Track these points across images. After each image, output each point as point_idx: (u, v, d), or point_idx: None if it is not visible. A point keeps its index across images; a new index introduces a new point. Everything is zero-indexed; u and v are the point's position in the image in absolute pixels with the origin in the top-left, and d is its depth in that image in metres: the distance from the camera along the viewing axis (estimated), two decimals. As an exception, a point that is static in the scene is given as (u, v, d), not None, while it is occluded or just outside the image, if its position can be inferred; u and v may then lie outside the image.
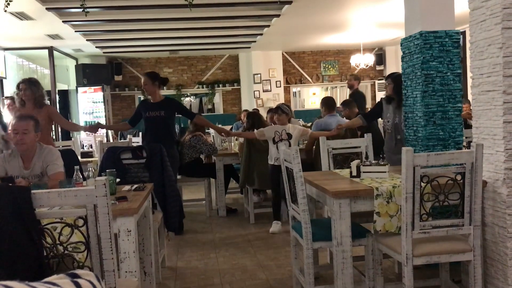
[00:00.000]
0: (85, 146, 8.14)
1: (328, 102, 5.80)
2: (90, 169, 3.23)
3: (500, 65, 2.68)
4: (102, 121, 11.27)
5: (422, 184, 2.58)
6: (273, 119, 6.62)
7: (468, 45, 3.05)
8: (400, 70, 3.98)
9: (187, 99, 13.58)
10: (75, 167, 3.18)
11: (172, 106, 5.19)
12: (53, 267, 2.01)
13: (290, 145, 4.89)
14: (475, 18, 2.90)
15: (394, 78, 4.42)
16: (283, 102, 12.40)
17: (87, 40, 9.31)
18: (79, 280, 0.77)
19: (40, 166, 3.43)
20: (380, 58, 13.06)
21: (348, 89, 8.71)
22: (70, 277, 0.77)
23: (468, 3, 2.95)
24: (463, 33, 8.17)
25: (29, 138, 3.36)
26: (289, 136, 4.97)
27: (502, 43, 2.65)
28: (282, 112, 5.08)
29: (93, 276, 0.81)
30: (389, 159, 4.58)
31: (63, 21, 7.54)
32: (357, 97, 7.62)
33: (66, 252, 2.02)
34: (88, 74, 11.27)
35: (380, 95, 12.89)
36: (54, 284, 0.72)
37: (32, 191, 1.99)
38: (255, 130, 5.32)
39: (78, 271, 0.80)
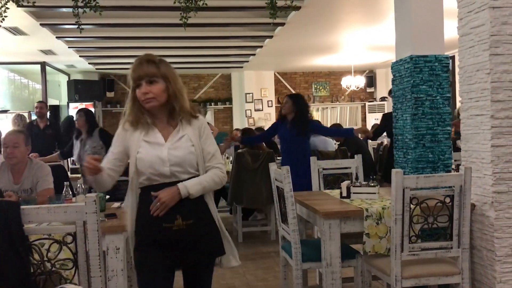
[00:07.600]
0: (75, 162, 8.09)
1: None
2: (80, 185, 3.20)
3: (488, 90, 2.73)
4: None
5: (411, 206, 2.60)
6: None
7: (457, 69, 3.11)
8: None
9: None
10: (65, 183, 3.15)
11: None
12: (39, 284, 1.98)
13: None
14: (464, 44, 2.96)
15: (86, 113, 5.40)
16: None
17: (80, 56, 9.33)
18: (69, 297, 0.77)
19: (30, 181, 3.40)
20: (371, 80, 13.21)
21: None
22: (61, 293, 0.77)
23: (457, 29, 3.01)
24: (453, 57, 8.30)
25: (19, 152, 3.35)
26: None
27: (490, 69, 2.71)
28: None
29: (83, 292, 0.81)
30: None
31: (56, 37, 7.56)
32: (65, 125, 7.48)
33: (53, 269, 1.99)
34: (80, 90, 11.24)
35: (371, 116, 13.00)
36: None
37: (22, 207, 1.97)
38: None
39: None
